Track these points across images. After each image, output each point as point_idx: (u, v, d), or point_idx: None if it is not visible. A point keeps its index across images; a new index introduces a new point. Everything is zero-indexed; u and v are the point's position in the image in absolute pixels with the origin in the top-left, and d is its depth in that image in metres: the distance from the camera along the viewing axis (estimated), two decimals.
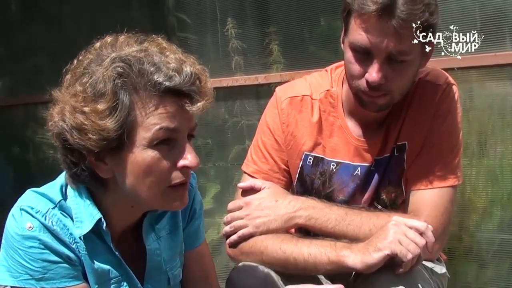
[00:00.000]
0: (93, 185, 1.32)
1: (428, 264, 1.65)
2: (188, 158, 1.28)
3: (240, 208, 1.69)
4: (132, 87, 1.22)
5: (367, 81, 1.57)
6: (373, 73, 1.55)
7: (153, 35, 1.34)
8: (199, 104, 1.25)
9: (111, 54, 1.25)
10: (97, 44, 1.30)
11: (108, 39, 1.30)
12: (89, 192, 1.34)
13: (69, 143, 1.25)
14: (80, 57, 1.30)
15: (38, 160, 3.69)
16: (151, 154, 1.25)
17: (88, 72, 1.24)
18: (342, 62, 1.77)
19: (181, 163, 1.28)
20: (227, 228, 1.70)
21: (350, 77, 1.63)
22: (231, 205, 1.73)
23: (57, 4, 3.57)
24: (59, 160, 1.32)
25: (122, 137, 1.23)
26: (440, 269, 1.70)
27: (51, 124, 1.28)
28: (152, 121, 1.23)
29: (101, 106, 1.21)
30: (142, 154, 1.25)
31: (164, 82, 1.22)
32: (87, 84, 1.22)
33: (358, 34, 1.55)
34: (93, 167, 1.27)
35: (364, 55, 1.57)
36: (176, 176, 1.29)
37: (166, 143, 1.26)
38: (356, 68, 1.59)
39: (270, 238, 1.62)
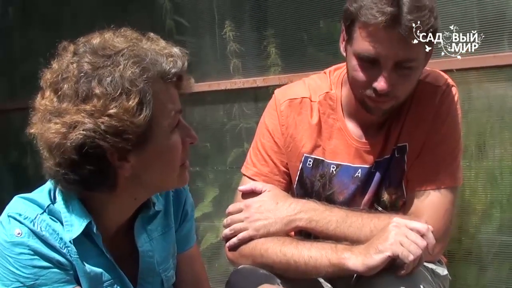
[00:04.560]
0: (101, 189, 1.29)
1: (430, 265, 1.65)
2: (193, 136, 1.35)
3: (240, 211, 1.69)
4: (150, 78, 1.23)
5: (374, 89, 1.57)
6: (381, 82, 1.55)
7: (123, 28, 1.33)
8: (191, 82, 1.34)
9: (111, 52, 1.23)
10: (80, 49, 1.26)
11: (93, 40, 1.27)
12: (79, 194, 1.33)
13: (93, 151, 1.21)
14: (59, 66, 1.26)
15: (36, 164, 3.67)
16: (174, 138, 1.30)
17: (96, 75, 1.20)
18: (341, 65, 1.78)
19: (188, 140, 1.34)
20: (227, 231, 1.69)
21: (355, 84, 1.63)
22: (231, 208, 1.73)
23: (55, 8, 3.57)
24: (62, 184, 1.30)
25: (149, 130, 1.24)
26: (442, 271, 1.69)
27: (61, 138, 1.21)
28: (168, 107, 1.27)
29: (129, 104, 1.20)
30: (167, 141, 1.28)
31: (172, 69, 1.26)
32: (106, 86, 1.20)
33: (364, 44, 1.55)
34: (115, 167, 1.26)
35: (370, 63, 1.56)
36: (184, 155, 1.34)
37: (177, 125, 1.30)
38: (362, 76, 1.59)
39: (271, 241, 1.61)
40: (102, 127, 1.19)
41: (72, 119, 1.20)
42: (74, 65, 1.23)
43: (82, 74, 1.21)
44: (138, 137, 1.22)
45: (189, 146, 1.36)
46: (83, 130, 1.19)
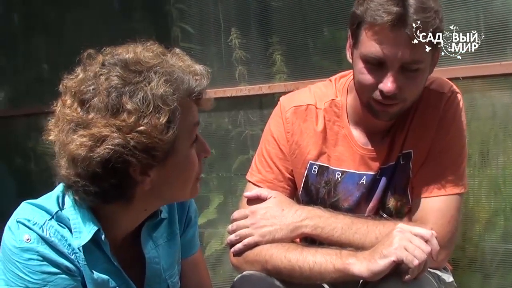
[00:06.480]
0: (118, 201, 1.29)
1: (436, 272, 1.65)
2: (208, 150, 1.37)
3: (245, 217, 1.69)
4: (180, 97, 1.24)
5: (381, 91, 1.57)
6: (388, 84, 1.55)
7: (149, 42, 1.33)
8: (211, 100, 1.36)
9: (142, 67, 1.23)
10: (109, 61, 1.25)
11: (123, 53, 1.26)
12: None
13: (118, 166, 1.21)
14: (85, 75, 1.25)
15: (39, 170, 3.68)
16: (193, 152, 1.31)
17: (127, 90, 1.20)
18: (346, 72, 1.78)
19: (203, 154, 1.36)
20: (232, 237, 1.69)
21: (361, 88, 1.63)
22: (236, 214, 1.73)
23: (58, 15, 3.58)
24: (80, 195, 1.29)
25: (173, 146, 1.25)
26: (448, 277, 1.69)
27: (87, 151, 1.20)
28: (190, 123, 1.29)
29: (159, 121, 1.20)
30: (187, 155, 1.30)
31: (197, 88, 1.28)
32: (137, 102, 1.19)
33: (371, 45, 1.55)
34: (137, 181, 1.26)
35: (376, 65, 1.57)
36: (199, 169, 1.36)
37: (195, 139, 1.32)
38: (368, 78, 1.59)
39: (275, 247, 1.61)
40: (132, 143, 1.19)
41: (99, 132, 1.19)
42: (103, 77, 1.22)
43: (112, 87, 1.20)
44: (164, 153, 1.24)
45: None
46: (111, 145, 1.18)
